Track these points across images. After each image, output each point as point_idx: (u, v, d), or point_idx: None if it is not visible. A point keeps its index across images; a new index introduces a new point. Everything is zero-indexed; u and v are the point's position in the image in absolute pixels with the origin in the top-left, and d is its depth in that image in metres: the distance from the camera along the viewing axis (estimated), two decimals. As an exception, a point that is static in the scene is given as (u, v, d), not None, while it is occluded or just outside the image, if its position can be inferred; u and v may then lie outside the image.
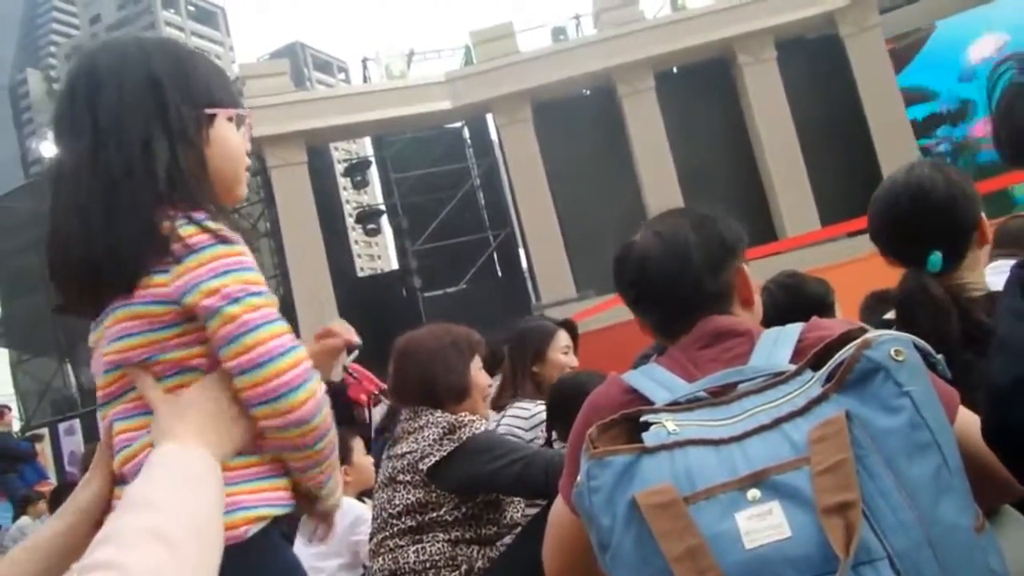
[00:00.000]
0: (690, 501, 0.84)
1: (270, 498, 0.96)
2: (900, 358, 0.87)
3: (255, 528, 0.93)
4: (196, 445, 0.83)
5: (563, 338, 2.74)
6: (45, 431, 9.87)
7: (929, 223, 1.48)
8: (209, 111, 1.02)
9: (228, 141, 1.04)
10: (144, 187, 0.94)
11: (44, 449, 8.90)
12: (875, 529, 0.80)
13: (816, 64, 13.60)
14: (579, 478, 0.93)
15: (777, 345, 1.06)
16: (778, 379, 0.96)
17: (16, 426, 9.15)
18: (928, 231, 1.47)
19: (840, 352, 0.91)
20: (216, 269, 0.92)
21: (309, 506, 1.04)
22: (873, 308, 2.44)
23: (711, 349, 1.12)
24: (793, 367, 0.97)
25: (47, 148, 15.27)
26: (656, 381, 1.08)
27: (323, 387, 0.96)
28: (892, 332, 0.91)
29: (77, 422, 10.05)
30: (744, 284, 1.23)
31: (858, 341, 0.90)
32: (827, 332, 1.01)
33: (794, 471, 0.83)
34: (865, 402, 0.86)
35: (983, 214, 1.52)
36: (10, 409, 8.24)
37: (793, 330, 1.08)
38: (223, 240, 0.94)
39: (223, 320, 0.90)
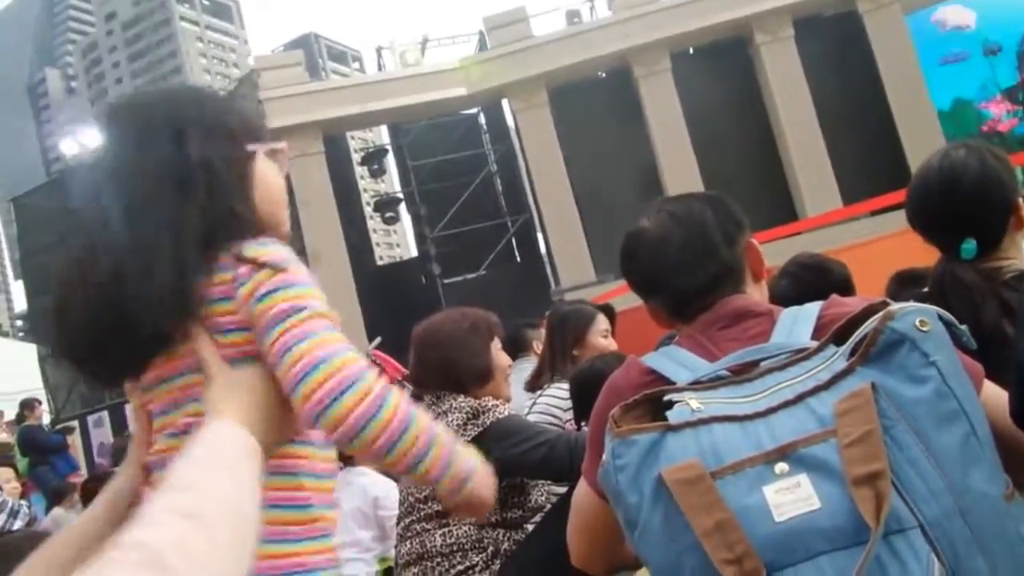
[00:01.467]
0: (717, 476, 0.84)
1: (328, 560, 0.95)
2: (925, 328, 0.86)
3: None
4: (241, 425, 0.81)
5: (602, 322, 2.81)
6: (75, 423, 10.02)
7: (960, 211, 1.45)
8: (250, 148, 1.00)
9: (269, 181, 1.02)
10: (197, 234, 0.91)
11: (74, 441, 9.03)
12: (905, 499, 0.80)
13: (835, 41, 13.42)
14: (604, 457, 0.93)
15: (797, 323, 1.05)
16: (801, 355, 0.95)
17: (46, 419, 9.31)
18: (960, 218, 1.45)
19: (863, 325, 0.90)
20: (271, 285, 0.90)
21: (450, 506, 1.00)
22: (896, 292, 2.41)
23: (731, 329, 1.12)
24: (815, 343, 0.97)
25: (68, 146, 15.44)
26: (676, 361, 1.08)
27: (381, 386, 0.89)
28: (916, 304, 0.90)
29: (106, 414, 10.21)
30: (756, 258, 1.24)
31: (881, 313, 0.89)
32: (848, 308, 1.00)
33: (821, 443, 0.83)
34: (891, 373, 0.86)
35: (1022, 198, 1.48)
36: (40, 403, 8.38)
37: (812, 308, 1.07)
38: (275, 265, 0.92)
39: (274, 337, 0.88)
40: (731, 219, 1.23)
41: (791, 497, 0.81)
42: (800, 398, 0.89)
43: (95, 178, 0.98)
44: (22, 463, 7.09)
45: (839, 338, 0.94)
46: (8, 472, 4.94)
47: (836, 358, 0.91)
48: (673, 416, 0.91)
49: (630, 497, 0.89)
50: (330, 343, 0.88)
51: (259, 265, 0.90)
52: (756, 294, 1.22)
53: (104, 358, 0.95)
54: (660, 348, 1.18)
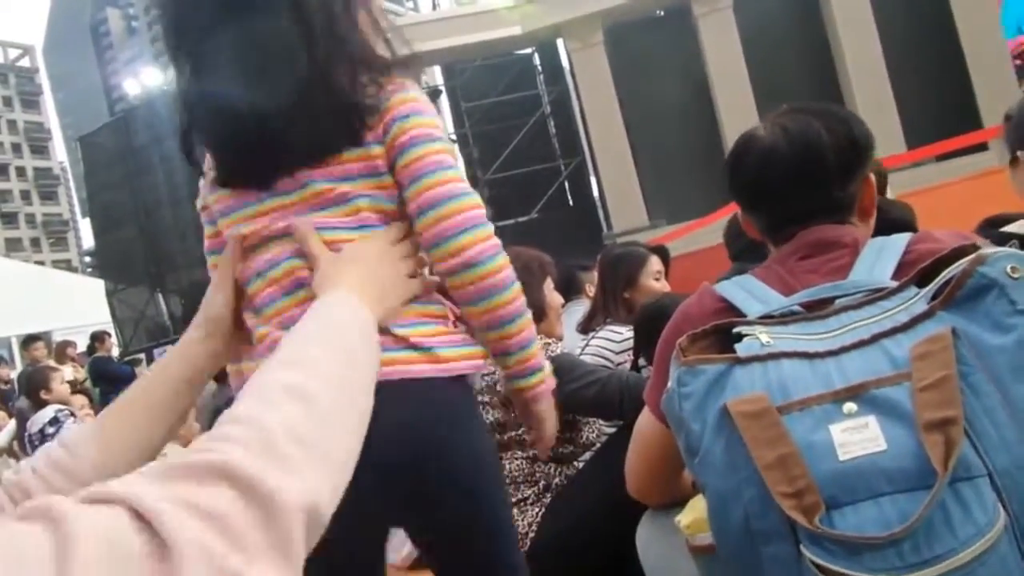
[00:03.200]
0: (783, 411, 0.83)
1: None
2: (1016, 275, 0.83)
3: (476, 363, 1.02)
4: (352, 297, 0.82)
5: (655, 263, 2.78)
6: (142, 356, 10.43)
7: None
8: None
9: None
10: (348, 50, 0.99)
11: (142, 373, 9.43)
12: (976, 446, 0.78)
13: (908, -26, 12.75)
14: (669, 384, 0.93)
15: (880, 259, 1.00)
16: (878, 295, 0.92)
17: (115, 352, 9.71)
18: None
19: (950, 268, 0.87)
20: (413, 108, 0.99)
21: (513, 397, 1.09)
22: (986, 235, 2.32)
23: (811, 260, 1.07)
24: (895, 283, 0.93)
25: (130, 85, 15.69)
26: (750, 293, 1.05)
27: (497, 239, 1.00)
28: (1009, 249, 0.86)
29: (170, 348, 10.60)
30: (868, 195, 1.15)
31: (971, 257, 0.85)
32: (938, 245, 0.95)
33: (893, 386, 0.81)
34: (974, 319, 0.83)
35: None
36: (110, 335, 8.74)
37: (899, 241, 1.02)
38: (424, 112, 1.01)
39: (416, 156, 0.97)
40: (853, 147, 1.10)
41: (857, 437, 0.80)
42: (875, 338, 0.86)
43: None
44: (94, 393, 7.42)
45: (922, 279, 0.91)
46: (82, 399, 5.19)
47: (916, 300, 0.89)
48: (742, 349, 0.90)
49: (693, 424, 0.89)
50: (462, 181, 0.99)
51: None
52: (861, 230, 1.14)
53: (269, 152, 0.99)
54: (733, 277, 1.13)
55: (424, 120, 0.99)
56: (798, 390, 0.84)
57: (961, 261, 0.87)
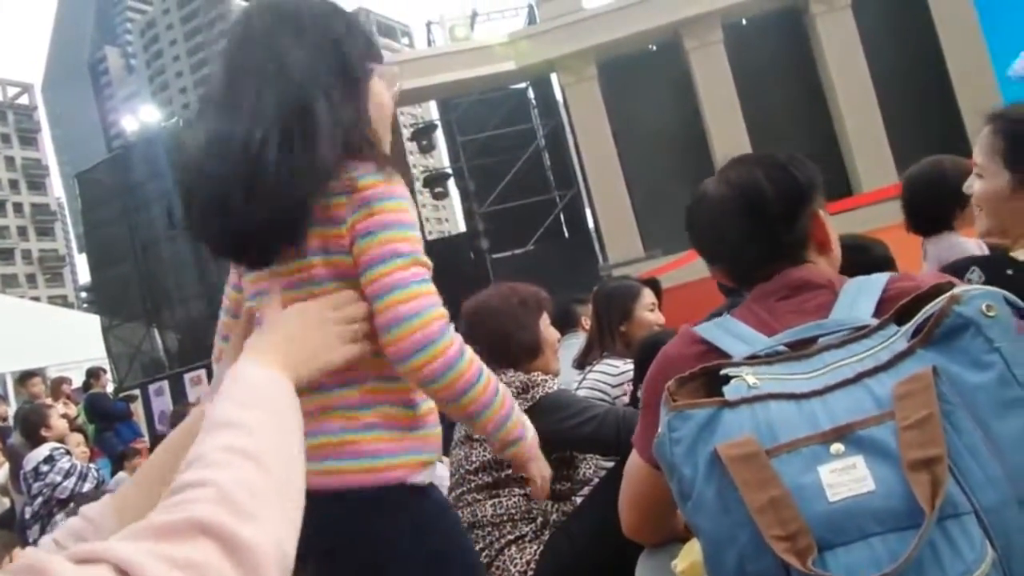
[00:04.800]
0: (772, 454, 0.84)
1: (431, 446, 1.08)
2: (991, 314, 0.84)
3: (424, 475, 1.04)
4: (271, 363, 0.84)
5: (648, 296, 2.82)
6: (137, 392, 10.36)
7: None
8: (369, 66, 1.08)
9: (381, 97, 1.10)
10: (327, 137, 0.99)
11: (137, 409, 9.35)
12: (962, 484, 0.79)
13: (893, 9, 12.93)
14: (660, 429, 0.94)
15: (860, 297, 1.03)
16: (860, 333, 0.94)
17: (110, 388, 9.64)
18: None
19: (927, 307, 0.89)
20: (385, 223, 1.00)
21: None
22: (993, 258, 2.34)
23: (790, 301, 1.10)
24: (875, 321, 0.95)
25: (128, 122, 15.83)
26: (732, 334, 1.07)
27: (459, 341, 1.01)
28: (983, 287, 0.88)
29: (166, 383, 10.52)
30: (820, 229, 1.19)
31: (947, 296, 0.87)
32: (915, 284, 0.97)
33: (878, 426, 0.83)
34: (953, 358, 0.84)
35: None
36: (105, 371, 8.69)
37: (877, 281, 1.05)
38: (394, 196, 1.02)
39: (380, 273, 0.99)
40: (794, 190, 1.16)
41: (846, 478, 0.81)
42: (859, 377, 0.88)
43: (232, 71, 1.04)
44: (89, 430, 7.37)
45: (901, 316, 0.93)
46: (78, 437, 5.16)
47: (897, 338, 0.90)
48: (730, 392, 0.91)
49: (684, 469, 0.90)
50: (422, 296, 0.99)
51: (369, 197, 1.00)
52: (822, 264, 1.18)
53: (224, 243, 1.04)
54: (712, 319, 1.16)
55: (389, 205, 1.00)
56: (786, 432, 0.86)
57: (938, 299, 0.88)
